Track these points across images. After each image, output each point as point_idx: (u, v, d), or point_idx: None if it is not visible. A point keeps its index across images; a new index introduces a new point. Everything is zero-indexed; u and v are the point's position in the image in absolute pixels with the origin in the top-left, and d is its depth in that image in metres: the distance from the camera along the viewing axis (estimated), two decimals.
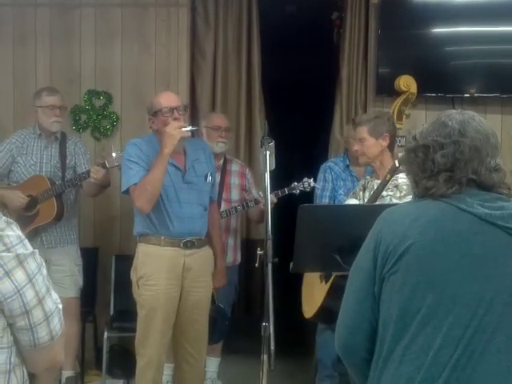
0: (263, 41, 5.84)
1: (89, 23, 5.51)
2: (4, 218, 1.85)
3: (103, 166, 4.28)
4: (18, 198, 4.54)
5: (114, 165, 4.18)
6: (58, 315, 1.90)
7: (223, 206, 4.79)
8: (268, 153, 3.25)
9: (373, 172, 3.94)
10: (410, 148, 1.97)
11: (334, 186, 4.80)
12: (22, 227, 1.91)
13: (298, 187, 4.67)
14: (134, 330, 4.03)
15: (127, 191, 3.90)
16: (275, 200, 4.51)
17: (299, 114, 9.58)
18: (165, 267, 3.94)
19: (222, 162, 4.87)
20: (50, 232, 4.67)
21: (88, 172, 4.40)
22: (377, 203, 3.59)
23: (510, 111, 5.41)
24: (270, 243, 3.06)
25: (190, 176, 4.00)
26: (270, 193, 3.21)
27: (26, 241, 1.86)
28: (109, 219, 5.53)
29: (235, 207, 4.81)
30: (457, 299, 1.78)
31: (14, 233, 1.84)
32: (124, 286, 4.31)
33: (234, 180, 4.94)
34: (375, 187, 3.78)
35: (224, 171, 4.88)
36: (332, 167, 4.88)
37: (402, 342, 1.81)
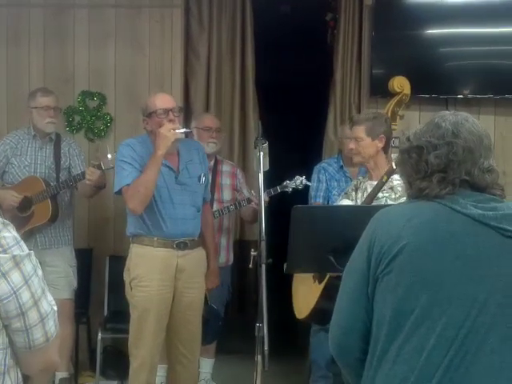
0: (257, 42, 5.84)
1: (82, 24, 5.51)
2: (0, 219, 1.85)
3: (99, 167, 4.27)
4: (12, 197, 4.54)
5: (110, 166, 4.17)
6: (52, 317, 1.90)
7: (215, 207, 4.79)
8: (262, 154, 3.25)
9: (366, 173, 3.95)
10: (404, 149, 1.97)
11: (327, 187, 4.80)
12: (17, 228, 1.91)
13: (290, 185, 4.67)
14: (127, 331, 4.03)
15: (120, 192, 3.90)
16: (267, 199, 4.50)
17: (293, 115, 9.58)
18: (158, 268, 3.94)
19: (212, 162, 4.87)
20: (45, 233, 4.67)
21: (83, 173, 4.40)
22: (371, 204, 3.60)
23: (504, 112, 5.42)
24: (263, 244, 3.07)
25: (184, 177, 4.01)
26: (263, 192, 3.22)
27: (22, 242, 1.86)
28: (103, 220, 5.52)
29: (228, 207, 4.81)
30: (450, 300, 1.78)
31: (10, 234, 1.83)
32: (118, 286, 4.31)
33: (226, 180, 4.95)
34: (368, 188, 3.78)
35: (215, 172, 4.88)
36: (326, 168, 4.88)
37: (395, 343, 1.82)
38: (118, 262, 4.56)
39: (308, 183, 4.75)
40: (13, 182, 4.68)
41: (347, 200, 3.87)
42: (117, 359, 5.14)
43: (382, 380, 1.84)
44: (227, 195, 4.93)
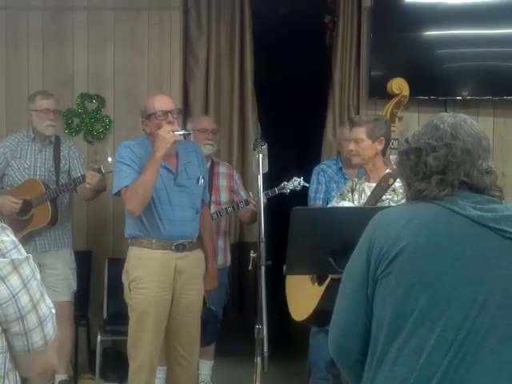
0: (256, 44, 5.84)
1: (81, 26, 5.51)
2: None
3: (99, 171, 4.27)
4: (11, 204, 4.52)
5: (110, 170, 4.16)
6: (51, 320, 1.90)
7: (213, 208, 4.78)
8: (261, 156, 3.26)
9: (363, 174, 3.95)
10: (403, 151, 1.97)
11: (327, 189, 4.80)
12: (17, 231, 1.92)
13: (287, 186, 4.67)
14: (127, 333, 4.03)
15: (118, 193, 3.91)
16: (265, 200, 4.51)
17: (292, 117, 9.59)
18: (156, 270, 3.94)
19: (209, 164, 4.87)
20: (44, 236, 4.66)
21: (83, 177, 4.39)
22: (369, 206, 3.60)
23: (502, 114, 5.43)
24: (263, 246, 3.07)
25: (182, 179, 4.01)
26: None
27: (21, 246, 1.86)
28: (102, 222, 5.52)
29: (225, 209, 4.81)
30: (450, 301, 1.79)
31: (8, 238, 1.83)
32: (117, 289, 4.31)
33: (222, 182, 4.95)
34: (366, 189, 3.79)
35: (212, 173, 4.88)
36: (325, 169, 4.88)
37: (395, 344, 1.82)
38: (117, 264, 4.55)
39: (306, 184, 4.74)
40: (12, 185, 4.68)
41: (345, 202, 3.87)
42: (116, 361, 5.14)
43: (382, 381, 1.84)
44: (224, 197, 4.93)
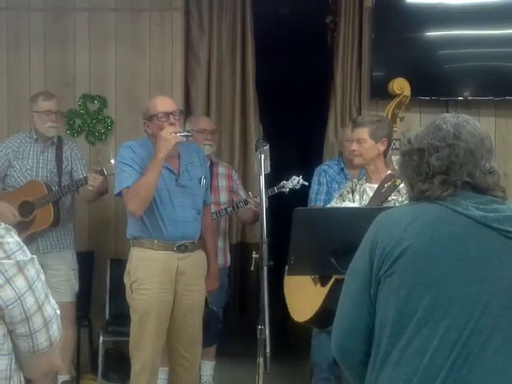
0: (257, 45, 5.84)
1: (83, 27, 5.52)
2: (3, 224, 1.85)
3: (101, 173, 4.28)
4: (11, 215, 4.50)
5: (112, 172, 4.16)
6: (56, 321, 1.90)
7: (212, 209, 4.76)
8: (263, 156, 3.26)
9: (364, 175, 3.95)
10: (405, 151, 1.97)
11: (328, 190, 4.80)
12: (19, 233, 1.91)
13: (287, 186, 4.66)
14: (129, 334, 4.03)
15: (120, 194, 3.91)
16: (265, 200, 4.50)
17: (294, 117, 9.60)
18: (158, 271, 3.94)
19: (208, 164, 4.86)
20: (46, 237, 4.66)
21: (86, 179, 4.39)
22: (370, 206, 3.60)
23: (504, 114, 5.43)
24: (265, 247, 3.07)
25: (184, 179, 4.01)
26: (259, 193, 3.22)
27: (25, 247, 1.86)
28: (104, 223, 5.52)
29: (225, 209, 4.81)
30: (453, 301, 1.79)
31: (13, 239, 1.84)
32: (119, 289, 4.31)
33: (222, 182, 4.94)
34: (367, 190, 3.79)
35: (211, 174, 4.87)
36: (327, 170, 4.88)
37: (398, 344, 1.82)
38: (120, 264, 4.55)
39: (305, 183, 4.73)
40: (14, 186, 4.68)
41: (346, 202, 3.86)
42: (118, 362, 5.15)
43: (385, 382, 1.84)
44: (224, 197, 4.93)
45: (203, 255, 4.16)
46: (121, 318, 4.68)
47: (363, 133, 3.76)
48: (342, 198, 3.90)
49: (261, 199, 3.21)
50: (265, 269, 3.03)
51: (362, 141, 3.75)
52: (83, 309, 5.16)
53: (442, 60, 5.35)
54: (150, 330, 3.92)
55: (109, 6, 5.54)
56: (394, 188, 3.59)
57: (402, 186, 3.55)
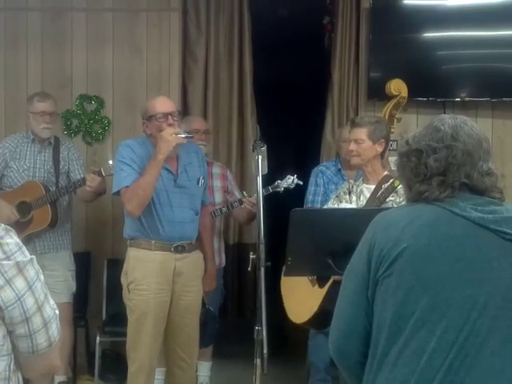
0: (254, 45, 5.84)
1: (80, 28, 5.51)
2: (3, 225, 1.85)
3: (99, 174, 4.27)
4: (10, 213, 4.49)
5: (110, 173, 4.15)
6: (55, 321, 1.90)
7: None
8: (260, 157, 3.25)
9: (361, 176, 3.96)
10: (403, 152, 1.97)
11: (325, 191, 4.79)
12: (16, 233, 1.91)
13: (281, 185, 4.64)
14: (126, 334, 4.03)
15: (118, 192, 3.90)
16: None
17: (291, 118, 9.60)
18: (155, 272, 3.93)
19: None
20: (44, 238, 4.65)
21: (83, 179, 4.39)
22: (368, 207, 3.60)
23: (501, 115, 5.43)
24: (262, 247, 3.07)
25: (182, 180, 4.00)
26: (254, 193, 3.21)
27: (24, 248, 1.86)
28: (101, 223, 5.51)
29: (220, 209, 4.80)
30: (451, 303, 1.79)
31: (12, 240, 1.84)
32: (116, 290, 4.30)
33: (216, 183, 4.93)
34: (364, 191, 3.79)
35: None
36: (324, 171, 4.88)
37: (395, 346, 1.82)
38: (116, 265, 4.55)
39: (300, 182, 4.71)
40: (11, 186, 4.67)
41: (344, 203, 3.86)
42: (115, 363, 5.14)
43: (382, 383, 1.84)
44: (219, 198, 4.91)
45: (200, 256, 4.16)
46: (118, 318, 4.67)
47: (361, 133, 3.76)
48: (339, 198, 3.89)
49: (258, 200, 3.20)
50: (262, 269, 3.03)
51: (360, 141, 3.76)
52: (80, 309, 5.15)
53: (439, 61, 5.35)
54: (147, 330, 3.92)
55: (106, 7, 5.54)
56: (393, 189, 3.59)
57: (399, 187, 3.55)
